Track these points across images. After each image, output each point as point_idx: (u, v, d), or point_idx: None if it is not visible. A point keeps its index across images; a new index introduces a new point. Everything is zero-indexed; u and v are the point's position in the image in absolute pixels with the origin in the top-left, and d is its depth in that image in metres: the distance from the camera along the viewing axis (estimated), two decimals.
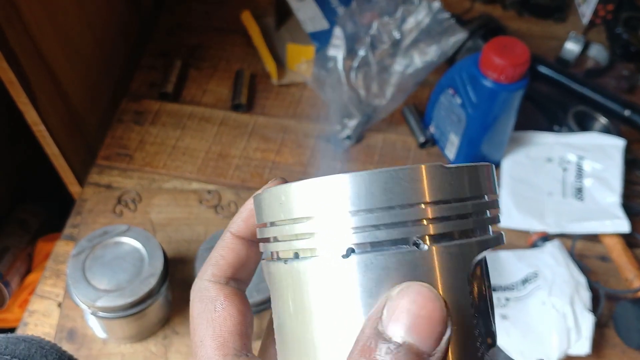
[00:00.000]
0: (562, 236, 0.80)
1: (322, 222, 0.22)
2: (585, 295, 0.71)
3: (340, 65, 0.85)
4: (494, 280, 0.74)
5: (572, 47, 0.98)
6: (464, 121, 0.81)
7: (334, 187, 0.22)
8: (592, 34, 1.06)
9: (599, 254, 0.80)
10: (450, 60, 0.90)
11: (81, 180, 0.85)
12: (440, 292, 0.21)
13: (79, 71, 0.84)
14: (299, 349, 0.23)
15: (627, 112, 0.87)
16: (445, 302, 0.20)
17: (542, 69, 0.92)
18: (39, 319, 0.73)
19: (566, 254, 0.76)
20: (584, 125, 0.90)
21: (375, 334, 0.20)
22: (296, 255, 0.23)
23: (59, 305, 0.74)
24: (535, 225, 0.80)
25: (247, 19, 1.01)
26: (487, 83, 0.75)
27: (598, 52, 0.99)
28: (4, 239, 0.92)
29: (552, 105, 0.92)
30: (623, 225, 0.79)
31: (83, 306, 0.64)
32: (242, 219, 0.28)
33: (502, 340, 0.69)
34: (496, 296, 0.73)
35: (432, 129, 0.89)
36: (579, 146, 0.86)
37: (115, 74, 0.96)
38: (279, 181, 0.27)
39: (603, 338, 0.73)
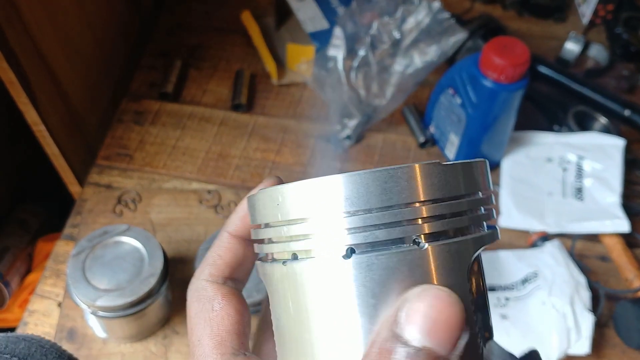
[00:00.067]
0: (562, 236, 0.80)
1: (320, 223, 0.22)
2: (585, 295, 0.71)
3: (340, 65, 0.85)
4: (494, 280, 0.74)
5: (572, 47, 0.98)
6: (464, 121, 0.81)
7: (332, 188, 0.21)
8: (592, 34, 1.06)
9: (599, 253, 0.80)
10: (450, 60, 0.90)
11: (81, 180, 0.85)
12: None
13: (79, 71, 0.84)
14: (299, 349, 0.23)
15: (627, 112, 0.87)
16: (462, 305, 0.20)
17: (542, 69, 0.92)
18: (39, 319, 0.73)
19: (566, 253, 0.76)
20: (584, 125, 0.90)
21: (393, 337, 0.20)
22: (294, 257, 0.23)
23: (59, 305, 0.74)
24: (535, 225, 0.80)
25: (247, 19, 1.01)
26: (487, 83, 0.75)
27: (598, 52, 0.99)
28: (4, 239, 0.92)
29: (552, 105, 0.92)
30: (623, 225, 0.79)
31: (83, 306, 0.64)
32: (239, 218, 0.28)
33: (502, 340, 0.69)
34: (496, 296, 0.73)
35: (432, 129, 0.89)
36: (579, 146, 0.86)
37: (115, 74, 0.96)
38: (274, 180, 0.27)
39: (603, 338, 0.73)
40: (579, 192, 0.83)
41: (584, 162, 0.85)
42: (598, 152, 0.85)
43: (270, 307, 0.25)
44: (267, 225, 0.24)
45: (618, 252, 0.78)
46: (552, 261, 0.74)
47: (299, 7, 1.00)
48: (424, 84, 0.89)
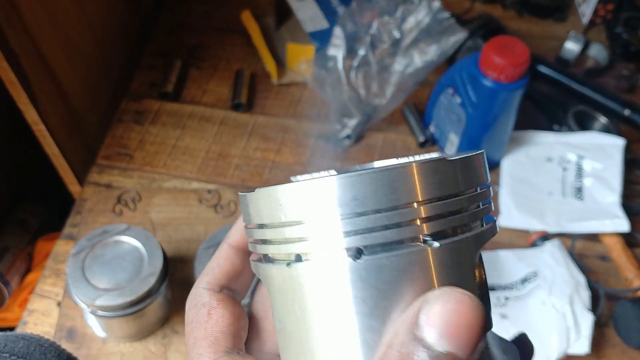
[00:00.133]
0: (561, 236, 0.80)
1: (327, 223, 0.21)
2: (585, 295, 0.71)
3: (340, 64, 0.85)
4: (494, 280, 0.74)
5: (572, 46, 0.98)
6: (463, 121, 0.81)
7: (340, 187, 0.21)
8: (592, 33, 1.06)
9: (599, 253, 0.80)
10: (450, 60, 0.90)
11: (81, 180, 0.85)
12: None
13: (79, 71, 0.84)
14: (307, 352, 0.22)
15: (627, 112, 0.87)
16: (483, 309, 0.20)
17: (542, 69, 0.92)
18: (39, 318, 0.73)
19: (566, 253, 0.76)
20: (583, 124, 0.90)
21: (413, 340, 0.20)
22: (298, 258, 0.22)
23: (59, 304, 0.74)
24: (535, 225, 0.80)
25: (247, 19, 1.01)
26: (487, 82, 0.75)
27: (598, 52, 0.99)
28: (4, 239, 0.92)
29: (552, 104, 0.92)
30: (623, 224, 0.79)
31: (82, 305, 0.64)
32: (239, 231, 0.28)
33: None
34: (496, 295, 0.73)
35: (432, 129, 0.89)
36: (579, 146, 0.86)
37: (115, 74, 0.96)
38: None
39: (603, 337, 0.73)
40: (578, 191, 0.83)
41: (583, 162, 0.85)
42: (598, 152, 0.85)
43: (272, 310, 0.24)
44: (267, 226, 0.23)
45: (618, 252, 0.78)
46: (552, 261, 0.74)
47: (299, 7, 1.00)
48: (423, 83, 0.89)
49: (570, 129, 0.88)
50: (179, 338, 0.72)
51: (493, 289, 0.74)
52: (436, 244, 0.21)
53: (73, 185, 0.85)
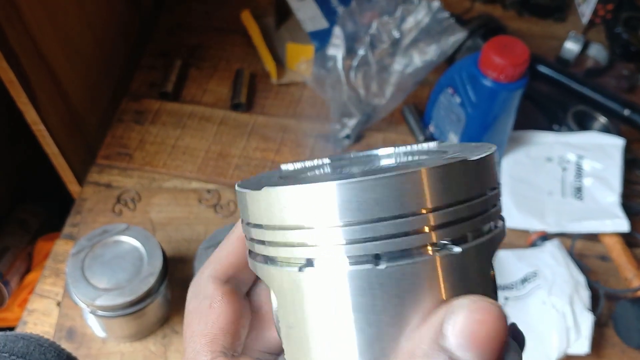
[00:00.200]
0: (561, 235, 0.80)
1: (343, 229, 0.20)
2: (585, 295, 0.71)
3: (339, 64, 0.85)
4: None
5: (571, 46, 0.98)
6: (463, 120, 0.81)
7: (358, 192, 0.20)
8: (592, 33, 1.06)
9: (599, 253, 0.80)
10: (449, 60, 0.90)
11: (81, 180, 0.85)
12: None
13: (79, 71, 0.84)
14: (318, 357, 0.22)
15: (626, 112, 0.87)
16: (506, 317, 0.20)
17: (542, 69, 0.92)
18: (39, 318, 0.73)
19: (566, 253, 0.76)
20: (583, 124, 0.90)
21: (438, 350, 0.19)
22: (310, 263, 0.21)
23: (58, 304, 0.74)
24: (535, 225, 0.80)
25: (247, 19, 1.01)
26: (487, 82, 0.75)
27: (598, 52, 0.99)
28: (4, 239, 0.92)
29: (551, 104, 0.92)
30: (623, 224, 0.79)
31: (82, 305, 0.64)
32: None
33: None
34: None
35: (431, 128, 0.89)
36: (579, 145, 0.86)
37: (115, 74, 0.96)
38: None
39: (603, 337, 0.72)
40: (578, 191, 0.83)
41: (583, 162, 0.85)
42: (598, 152, 0.85)
43: (279, 313, 0.23)
44: (272, 227, 0.22)
45: (618, 252, 0.78)
46: (551, 261, 0.74)
47: (298, 7, 1.00)
48: (423, 83, 0.89)
49: (570, 129, 0.88)
50: (179, 338, 0.72)
51: None
52: (457, 249, 0.20)
53: (73, 185, 0.85)
